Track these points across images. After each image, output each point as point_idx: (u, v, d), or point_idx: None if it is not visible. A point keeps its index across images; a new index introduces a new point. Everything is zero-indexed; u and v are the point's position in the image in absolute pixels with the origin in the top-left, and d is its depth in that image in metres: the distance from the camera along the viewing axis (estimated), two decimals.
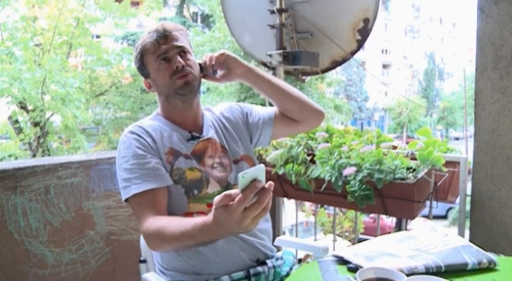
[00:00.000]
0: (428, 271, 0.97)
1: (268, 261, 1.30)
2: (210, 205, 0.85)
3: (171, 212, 1.22)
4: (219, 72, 1.34)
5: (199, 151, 1.29)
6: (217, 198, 0.86)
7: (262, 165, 0.85)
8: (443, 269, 0.99)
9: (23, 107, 8.94)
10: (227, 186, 1.28)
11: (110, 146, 10.92)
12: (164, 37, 1.26)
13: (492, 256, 1.05)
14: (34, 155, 8.80)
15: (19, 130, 9.08)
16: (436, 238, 1.16)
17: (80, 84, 8.94)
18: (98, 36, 11.28)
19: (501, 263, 1.04)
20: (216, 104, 1.54)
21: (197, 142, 1.30)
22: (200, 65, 1.34)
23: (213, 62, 1.31)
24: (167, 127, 1.31)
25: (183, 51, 1.27)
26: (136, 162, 1.20)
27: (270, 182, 0.86)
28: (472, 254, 1.05)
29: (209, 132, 1.34)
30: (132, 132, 1.26)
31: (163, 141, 1.26)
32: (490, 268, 1.03)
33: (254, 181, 0.83)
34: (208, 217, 0.91)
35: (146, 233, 1.12)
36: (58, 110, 8.77)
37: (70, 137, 9.38)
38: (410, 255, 1.04)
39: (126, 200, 1.19)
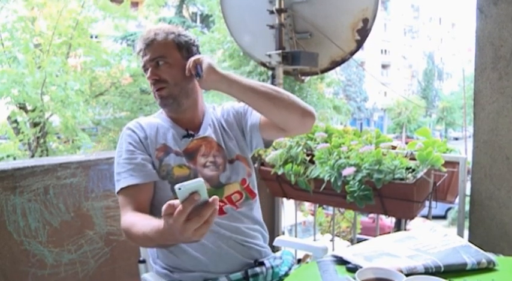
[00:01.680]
0: (427, 271, 0.97)
1: (266, 261, 1.30)
2: None
3: (158, 206, 1.22)
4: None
5: (192, 149, 1.30)
6: (164, 206, 0.88)
7: (201, 179, 0.85)
8: (442, 269, 0.99)
9: (22, 107, 8.93)
10: (218, 185, 1.28)
11: (109, 146, 10.91)
12: (144, 49, 1.26)
13: (491, 256, 1.05)
14: (33, 156, 8.78)
15: (18, 130, 9.05)
16: (435, 238, 1.16)
17: (81, 87, 8.92)
18: (96, 37, 11.26)
19: (500, 263, 1.05)
20: (214, 102, 1.53)
21: (191, 140, 1.31)
22: None
23: (190, 66, 1.24)
24: (166, 124, 1.33)
25: (159, 62, 1.24)
26: (126, 157, 1.24)
27: (214, 196, 0.86)
28: (471, 254, 1.05)
29: (206, 131, 1.34)
30: (128, 128, 1.30)
31: (157, 137, 1.29)
32: (489, 268, 1.03)
33: (193, 193, 0.84)
34: (162, 223, 0.93)
35: (122, 227, 1.17)
36: (58, 111, 8.76)
37: (71, 136, 9.37)
38: (409, 255, 1.04)
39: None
